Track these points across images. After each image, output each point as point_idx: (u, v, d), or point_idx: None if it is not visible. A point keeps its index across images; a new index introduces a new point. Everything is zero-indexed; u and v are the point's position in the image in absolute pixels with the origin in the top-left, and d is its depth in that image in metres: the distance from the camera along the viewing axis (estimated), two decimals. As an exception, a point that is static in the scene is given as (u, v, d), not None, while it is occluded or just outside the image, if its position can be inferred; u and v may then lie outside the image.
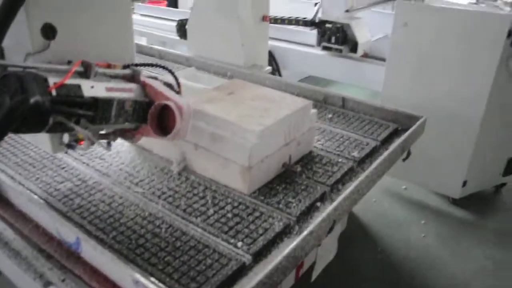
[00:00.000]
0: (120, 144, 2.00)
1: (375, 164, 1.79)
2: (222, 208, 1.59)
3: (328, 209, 1.50)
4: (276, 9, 3.90)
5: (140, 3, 5.69)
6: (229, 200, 1.64)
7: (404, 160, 2.11)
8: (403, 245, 2.76)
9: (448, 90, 2.72)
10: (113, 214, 1.55)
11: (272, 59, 3.97)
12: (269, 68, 2.83)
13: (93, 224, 1.50)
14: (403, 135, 2.13)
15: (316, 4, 4.06)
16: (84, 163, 1.87)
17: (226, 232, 1.47)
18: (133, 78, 1.39)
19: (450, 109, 2.73)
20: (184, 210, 1.58)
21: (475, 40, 2.55)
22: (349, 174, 1.85)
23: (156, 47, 3.43)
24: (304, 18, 3.92)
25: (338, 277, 2.47)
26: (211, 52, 2.92)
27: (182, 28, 4.37)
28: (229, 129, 1.65)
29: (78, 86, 1.19)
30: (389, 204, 3.16)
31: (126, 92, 1.32)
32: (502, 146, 2.95)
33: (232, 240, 1.43)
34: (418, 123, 2.14)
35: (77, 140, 1.31)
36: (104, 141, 1.42)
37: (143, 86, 1.39)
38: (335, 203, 1.53)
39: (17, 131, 1.11)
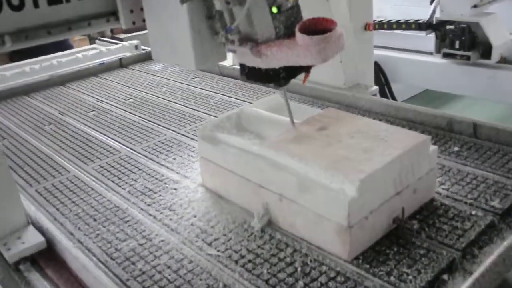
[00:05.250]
0: (193, 191, 1.92)
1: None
2: (315, 279, 1.41)
3: (460, 288, 1.25)
4: (382, 12, 3.66)
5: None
6: (324, 268, 1.45)
7: None
8: None
9: None
10: (180, 284, 1.44)
11: (379, 71, 3.73)
12: (375, 88, 2.59)
13: (156, 299, 1.40)
14: None
15: (432, 1, 3.75)
16: (151, 215, 1.80)
17: (319, 318, 1.28)
18: None
19: None
20: (267, 282, 1.42)
21: None
22: (489, 233, 1.56)
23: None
24: (418, 20, 3.63)
25: None
26: (303, 71, 2.76)
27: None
28: (321, 177, 1.47)
29: None
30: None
31: None
32: None
33: (327, 331, 1.24)
34: None
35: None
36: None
37: None
38: (470, 280, 1.27)
39: None
